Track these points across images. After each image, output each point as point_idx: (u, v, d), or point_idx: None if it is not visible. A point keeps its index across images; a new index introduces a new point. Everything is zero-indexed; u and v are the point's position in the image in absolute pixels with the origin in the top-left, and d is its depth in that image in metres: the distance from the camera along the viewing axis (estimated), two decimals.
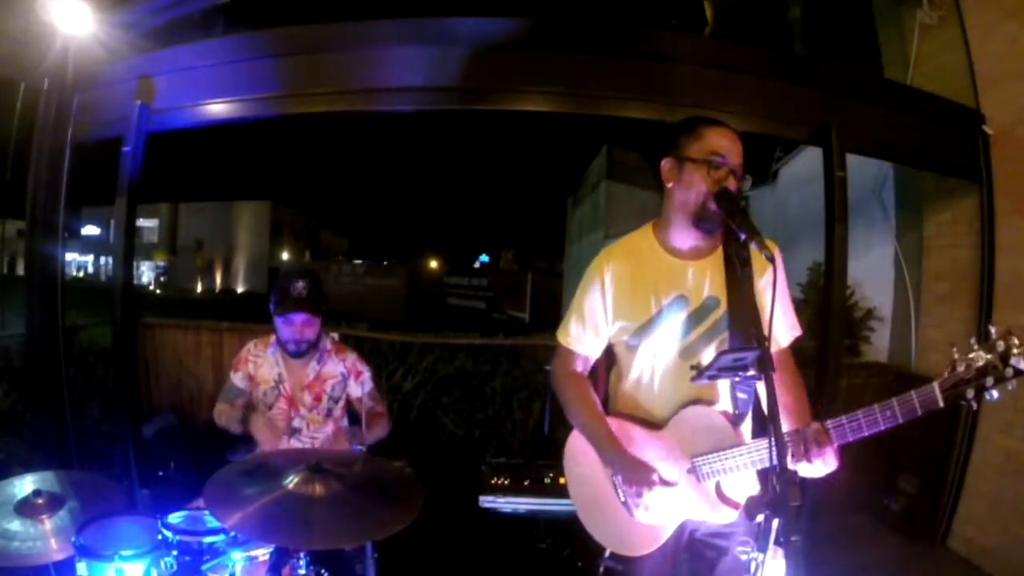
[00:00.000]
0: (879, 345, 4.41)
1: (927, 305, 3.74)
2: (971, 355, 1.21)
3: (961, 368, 1.21)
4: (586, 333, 1.60)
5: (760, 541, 1.17)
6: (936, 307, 3.68)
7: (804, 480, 1.36)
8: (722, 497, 1.48)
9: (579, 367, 1.64)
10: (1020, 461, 2.98)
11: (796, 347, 1.64)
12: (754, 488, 1.52)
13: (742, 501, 1.48)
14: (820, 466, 1.34)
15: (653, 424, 1.56)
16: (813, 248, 4.34)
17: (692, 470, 1.48)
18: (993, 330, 1.20)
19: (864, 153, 3.15)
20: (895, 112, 3.09)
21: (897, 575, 3.10)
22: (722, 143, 1.47)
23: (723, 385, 1.54)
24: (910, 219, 3.92)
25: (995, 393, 1.19)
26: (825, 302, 2.88)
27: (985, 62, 3.31)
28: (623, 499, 1.54)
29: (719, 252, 1.50)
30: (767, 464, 1.32)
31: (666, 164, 1.54)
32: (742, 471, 1.43)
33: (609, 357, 1.68)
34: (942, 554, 3.26)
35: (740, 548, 1.30)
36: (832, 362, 2.80)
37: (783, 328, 1.59)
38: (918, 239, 3.81)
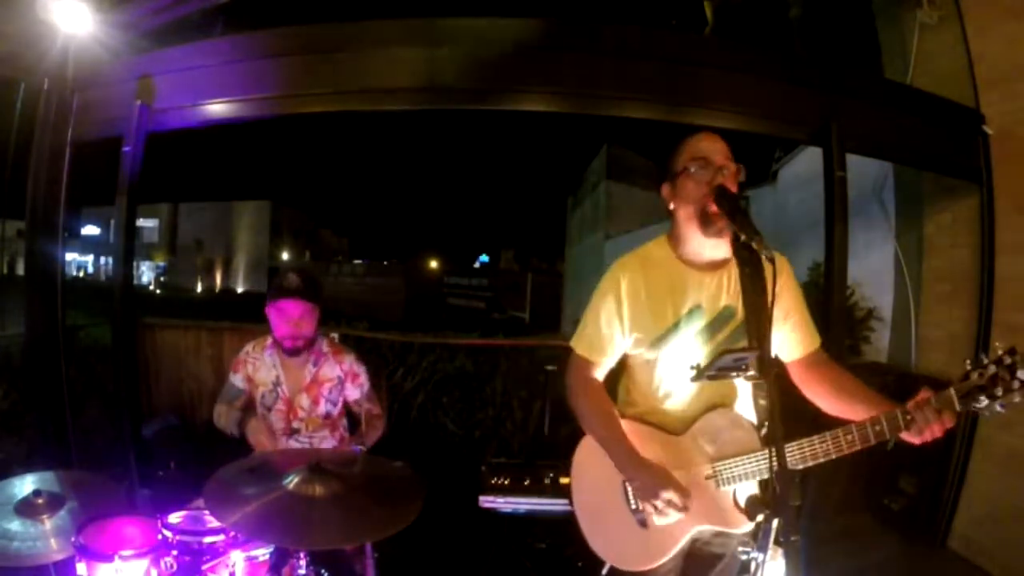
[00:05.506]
0: (879, 345, 4.40)
1: (927, 305, 3.73)
2: (982, 367, 1.27)
3: (975, 376, 1.27)
4: (602, 343, 1.57)
5: (760, 541, 1.17)
6: (936, 307, 3.67)
7: (804, 480, 1.36)
8: (738, 505, 1.45)
9: (594, 376, 1.61)
10: (1020, 460, 2.98)
11: None
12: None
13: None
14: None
15: (668, 431, 1.55)
16: (813, 248, 4.34)
17: (712, 475, 1.48)
18: (998, 346, 1.27)
19: (864, 153, 3.14)
20: (895, 112, 3.09)
21: (897, 575, 3.10)
22: (700, 146, 1.49)
23: (743, 393, 1.53)
24: (910, 219, 3.91)
25: (1000, 406, 1.26)
26: (825, 302, 2.88)
27: (985, 62, 3.30)
28: (636, 506, 1.51)
29: (734, 262, 1.47)
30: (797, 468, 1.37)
31: (664, 189, 1.57)
32: (763, 476, 1.41)
33: (619, 363, 1.66)
34: (942, 554, 3.25)
35: (740, 548, 1.30)
36: None
37: (812, 331, 1.60)
38: (918, 239, 3.81)
